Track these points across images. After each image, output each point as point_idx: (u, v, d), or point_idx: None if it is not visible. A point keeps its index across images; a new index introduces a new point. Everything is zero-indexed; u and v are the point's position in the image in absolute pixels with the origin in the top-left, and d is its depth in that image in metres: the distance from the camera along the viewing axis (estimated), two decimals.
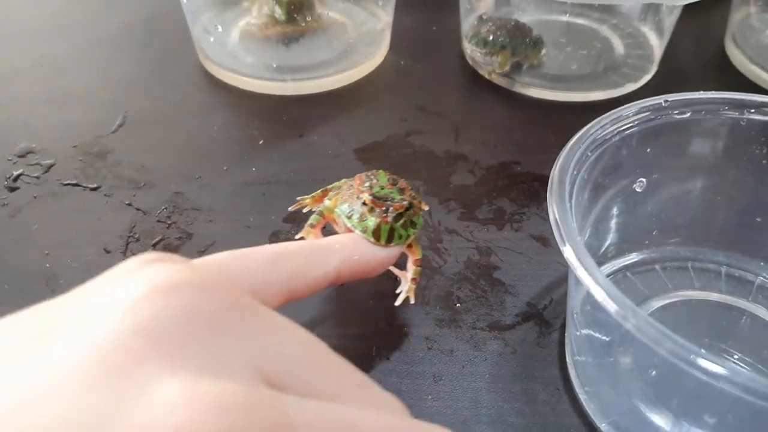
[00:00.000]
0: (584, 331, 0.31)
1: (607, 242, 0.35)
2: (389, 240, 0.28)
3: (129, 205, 0.41)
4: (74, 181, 0.43)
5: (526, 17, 0.55)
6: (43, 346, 0.15)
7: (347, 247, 0.27)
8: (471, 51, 0.52)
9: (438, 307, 0.36)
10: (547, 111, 0.49)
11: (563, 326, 0.34)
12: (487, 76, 0.52)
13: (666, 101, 0.33)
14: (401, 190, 0.32)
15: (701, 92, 0.34)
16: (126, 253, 0.38)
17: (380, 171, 0.34)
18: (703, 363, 0.21)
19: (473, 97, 0.50)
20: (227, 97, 0.51)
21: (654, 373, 0.30)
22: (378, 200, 0.30)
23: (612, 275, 0.36)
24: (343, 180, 0.35)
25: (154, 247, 0.39)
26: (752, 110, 0.34)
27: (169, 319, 0.15)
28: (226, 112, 0.49)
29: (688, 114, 0.33)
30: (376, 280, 0.36)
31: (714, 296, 0.36)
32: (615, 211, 0.34)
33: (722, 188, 0.36)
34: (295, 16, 0.52)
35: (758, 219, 0.37)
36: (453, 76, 0.53)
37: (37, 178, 0.43)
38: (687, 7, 0.47)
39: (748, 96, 0.34)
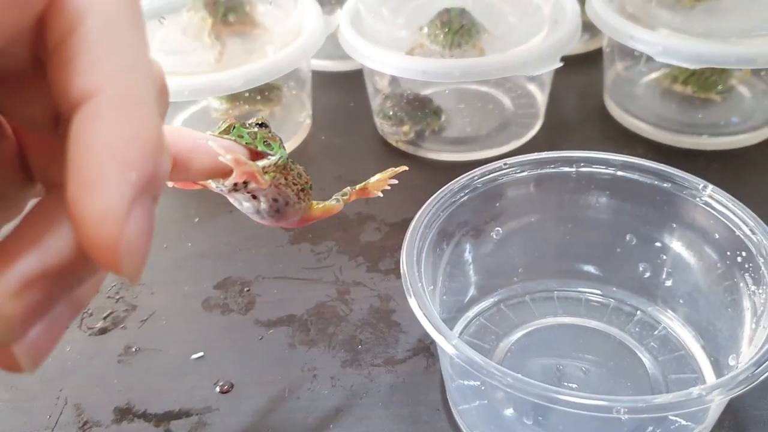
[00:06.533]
0: (448, 360, 0.38)
1: (472, 284, 0.42)
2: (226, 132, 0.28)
3: None
4: None
5: (431, 89, 0.63)
6: None
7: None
8: (380, 124, 0.59)
9: (343, 350, 0.42)
10: (447, 170, 0.57)
11: None
12: (395, 144, 0.59)
13: (505, 164, 0.40)
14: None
15: (536, 153, 0.41)
16: (81, 326, 0.45)
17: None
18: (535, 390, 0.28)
19: (383, 164, 0.57)
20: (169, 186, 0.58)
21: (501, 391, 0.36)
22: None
23: (488, 309, 0.43)
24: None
25: (105, 319, 0.45)
26: (581, 164, 0.41)
27: None
28: (168, 197, 0.57)
29: (525, 172, 0.41)
30: (289, 333, 0.43)
31: (575, 320, 0.43)
32: (474, 257, 0.41)
33: (570, 228, 0.43)
34: (229, 109, 0.61)
35: (618, 250, 0.44)
36: (367, 146, 0.60)
37: None
38: (567, 65, 0.55)
39: (575, 153, 0.41)
